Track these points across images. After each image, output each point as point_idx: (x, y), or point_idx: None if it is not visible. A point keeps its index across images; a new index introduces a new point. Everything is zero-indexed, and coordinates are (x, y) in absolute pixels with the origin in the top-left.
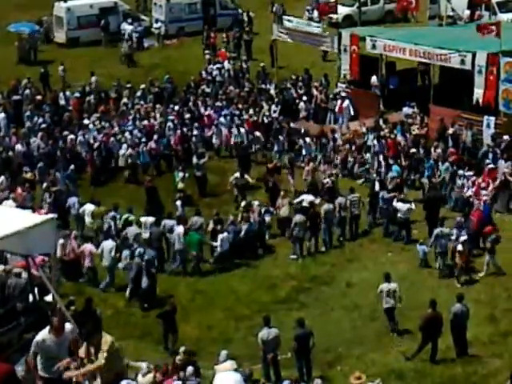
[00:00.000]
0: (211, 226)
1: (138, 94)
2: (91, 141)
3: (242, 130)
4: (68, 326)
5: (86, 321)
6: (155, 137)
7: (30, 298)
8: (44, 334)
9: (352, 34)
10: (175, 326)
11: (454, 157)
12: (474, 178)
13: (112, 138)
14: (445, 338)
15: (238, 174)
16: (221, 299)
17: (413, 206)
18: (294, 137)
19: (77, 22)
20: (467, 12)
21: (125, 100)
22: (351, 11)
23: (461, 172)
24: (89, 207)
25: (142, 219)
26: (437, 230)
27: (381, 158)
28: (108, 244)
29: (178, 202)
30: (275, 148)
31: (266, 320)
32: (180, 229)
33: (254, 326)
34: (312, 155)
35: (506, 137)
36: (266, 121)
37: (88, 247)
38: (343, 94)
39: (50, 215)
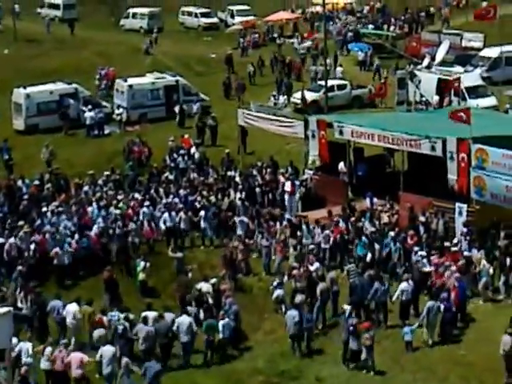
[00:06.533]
0: None
1: (100, 181)
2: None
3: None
4: None
5: None
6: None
7: None
8: None
9: (319, 119)
10: None
11: (414, 239)
12: (434, 257)
13: (47, 236)
14: None
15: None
16: None
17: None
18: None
19: (36, 109)
20: (436, 98)
21: (86, 188)
22: (317, 97)
23: (416, 249)
24: (72, 307)
25: (145, 314)
26: (429, 303)
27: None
28: (108, 350)
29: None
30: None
31: None
32: (186, 319)
33: None
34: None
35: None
36: (198, 206)
37: (77, 356)
38: (291, 177)
39: (6, 308)
